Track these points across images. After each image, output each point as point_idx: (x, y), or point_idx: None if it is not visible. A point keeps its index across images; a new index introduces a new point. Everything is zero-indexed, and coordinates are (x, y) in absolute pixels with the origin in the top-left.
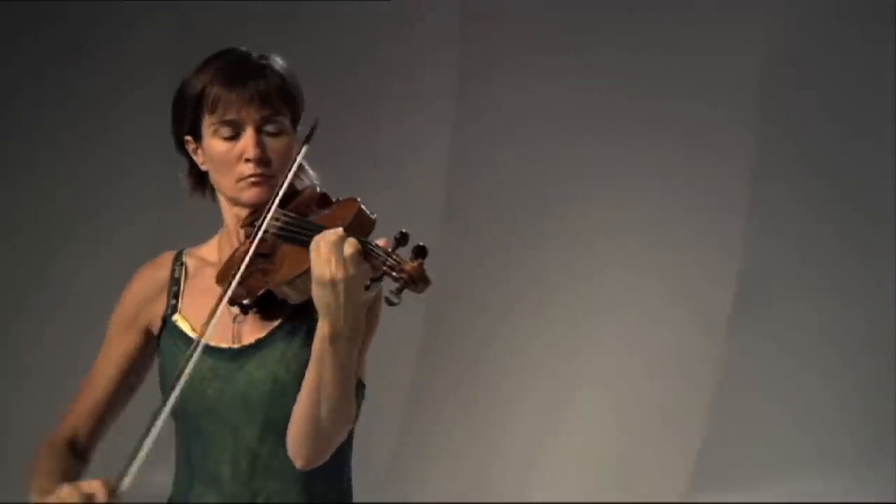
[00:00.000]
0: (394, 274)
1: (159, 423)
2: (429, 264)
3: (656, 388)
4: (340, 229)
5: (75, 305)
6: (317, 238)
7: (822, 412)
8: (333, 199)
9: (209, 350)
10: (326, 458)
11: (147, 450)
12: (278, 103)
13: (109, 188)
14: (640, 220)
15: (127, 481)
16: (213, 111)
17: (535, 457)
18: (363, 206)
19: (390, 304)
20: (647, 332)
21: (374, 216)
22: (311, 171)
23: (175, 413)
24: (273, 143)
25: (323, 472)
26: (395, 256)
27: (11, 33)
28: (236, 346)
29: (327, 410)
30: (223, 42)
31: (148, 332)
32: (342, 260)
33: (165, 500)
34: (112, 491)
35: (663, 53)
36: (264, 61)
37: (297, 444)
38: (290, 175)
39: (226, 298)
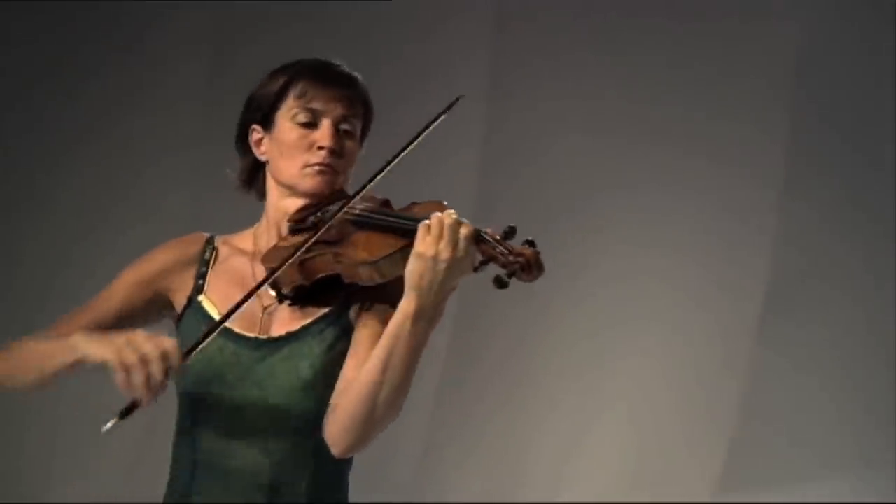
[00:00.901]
0: (510, 258)
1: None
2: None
3: (685, 390)
4: (452, 211)
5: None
6: (432, 217)
7: (850, 415)
8: (414, 203)
9: (234, 337)
10: (367, 445)
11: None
12: (358, 108)
13: (126, 188)
14: (671, 224)
15: (193, 354)
16: (299, 97)
17: (564, 457)
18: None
19: (501, 285)
20: (677, 336)
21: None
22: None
23: (187, 402)
24: (345, 142)
25: (332, 471)
26: (506, 244)
27: (37, 30)
28: (263, 336)
29: (388, 392)
30: (257, 42)
31: (160, 295)
32: (455, 240)
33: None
34: (184, 355)
35: (695, 59)
36: (353, 73)
37: (344, 427)
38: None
39: (273, 277)
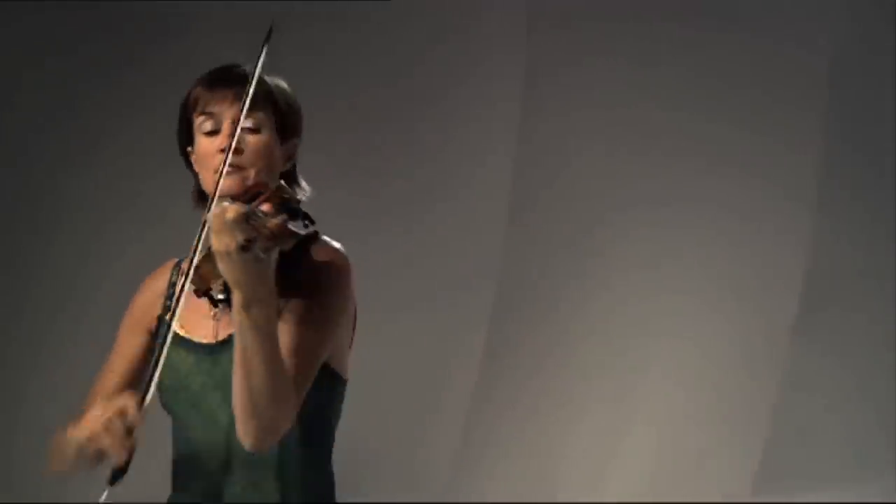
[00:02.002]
0: (261, 231)
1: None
2: (486, 261)
3: (721, 389)
4: (226, 202)
5: (98, 308)
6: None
7: (886, 415)
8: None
9: (192, 346)
10: (274, 439)
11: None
12: (257, 102)
13: (134, 195)
14: (706, 225)
15: (148, 398)
16: (196, 107)
17: (598, 458)
18: (285, 186)
19: (257, 259)
20: (712, 337)
21: (286, 196)
22: (304, 183)
23: (171, 415)
24: (250, 139)
25: (300, 464)
26: (273, 219)
27: (42, 33)
28: (214, 341)
29: (259, 383)
30: (281, 43)
31: (152, 334)
32: (229, 229)
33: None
34: (140, 403)
35: (732, 54)
36: (248, 69)
37: (240, 424)
38: (228, 156)
39: (185, 289)
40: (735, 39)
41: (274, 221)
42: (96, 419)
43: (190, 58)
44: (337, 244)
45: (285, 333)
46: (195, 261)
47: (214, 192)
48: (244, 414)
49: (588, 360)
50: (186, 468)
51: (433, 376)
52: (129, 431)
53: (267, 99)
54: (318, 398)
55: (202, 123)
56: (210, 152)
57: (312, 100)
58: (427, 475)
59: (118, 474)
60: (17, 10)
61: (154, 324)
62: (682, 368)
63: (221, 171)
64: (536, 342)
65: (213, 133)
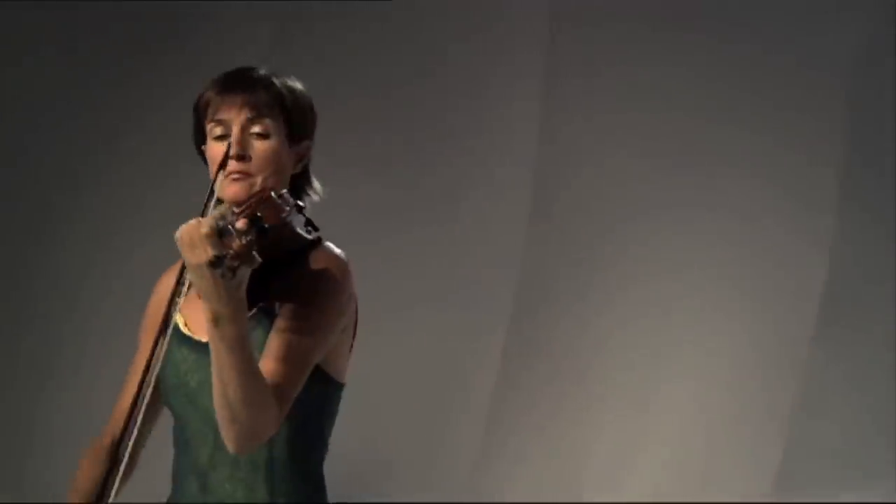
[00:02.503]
0: (228, 252)
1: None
2: (505, 262)
3: (742, 390)
4: (198, 217)
5: (108, 311)
6: (180, 228)
7: None
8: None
9: (192, 344)
10: (257, 443)
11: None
12: (266, 108)
13: (147, 193)
14: (729, 224)
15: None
16: (205, 113)
17: (621, 457)
18: (274, 197)
19: (224, 275)
20: (735, 335)
21: (280, 202)
22: (317, 185)
23: (172, 413)
24: (257, 144)
25: (287, 466)
26: (244, 238)
27: (89, 32)
28: None
29: (234, 393)
30: (319, 42)
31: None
32: (201, 243)
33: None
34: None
35: (754, 59)
36: (263, 74)
37: (223, 430)
38: (217, 179)
39: (184, 290)
40: (757, 44)
41: (238, 243)
42: None
43: (201, 58)
44: (338, 250)
45: (275, 340)
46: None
47: (207, 202)
48: (223, 420)
49: (608, 361)
50: (183, 465)
51: (453, 377)
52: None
53: (276, 104)
54: (309, 401)
55: (212, 128)
56: (219, 157)
57: (331, 99)
58: (447, 476)
59: None
60: (23, 8)
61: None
62: (703, 369)
63: (214, 179)
64: (556, 343)
65: (223, 138)
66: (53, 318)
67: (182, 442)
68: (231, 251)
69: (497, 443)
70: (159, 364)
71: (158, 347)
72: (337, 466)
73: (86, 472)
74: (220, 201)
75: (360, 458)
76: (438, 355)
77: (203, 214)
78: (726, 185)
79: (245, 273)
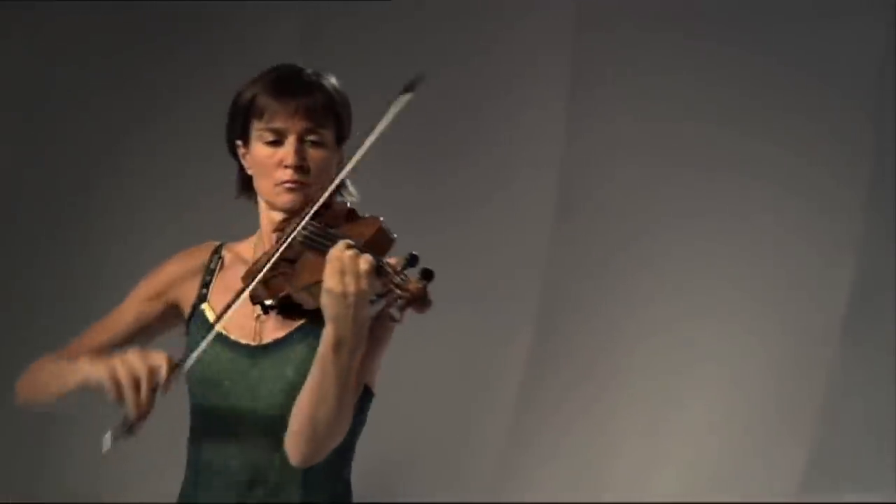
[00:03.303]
0: (398, 292)
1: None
2: (531, 263)
3: (769, 389)
4: (356, 247)
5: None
6: (333, 250)
7: None
8: (360, 216)
9: (230, 344)
10: (322, 458)
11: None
12: (322, 117)
13: (165, 187)
14: (756, 222)
15: (188, 364)
16: (260, 118)
17: (643, 458)
18: (384, 226)
19: (392, 320)
20: (760, 337)
21: (393, 237)
22: (352, 188)
23: (193, 409)
24: (313, 154)
25: (322, 471)
26: (403, 275)
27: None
28: (255, 343)
29: (325, 413)
30: (345, 41)
31: (171, 307)
32: (356, 275)
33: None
34: (173, 368)
35: (781, 65)
36: (314, 78)
37: (294, 441)
38: (331, 187)
39: (243, 295)
40: (783, 50)
41: (417, 286)
42: (121, 365)
43: (226, 56)
44: None
45: None
46: (260, 275)
47: (302, 217)
48: (301, 436)
49: (632, 362)
50: (205, 463)
51: (478, 378)
52: (154, 391)
53: (330, 112)
54: (354, 412)
55: (263, 133)
56: (271, 164)
57: (356, 99)
58: (472, 476)
59: (128, 431)
60: (48, 7)
61: (182, 303)
62: (727, 371)
63: (307, 213)
64: (581, 344)
65: (275, 143)
66: (68, 315)
67: (204, 438)
68: (407, 294)
69: (521, 444)
70: (196, 355)
71: (193, 339)
72: (363, 467)
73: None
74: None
75: (385, 458)
76: (463, 357)
77: (287, 238)
78: (751, 187)
79: (378, 310)
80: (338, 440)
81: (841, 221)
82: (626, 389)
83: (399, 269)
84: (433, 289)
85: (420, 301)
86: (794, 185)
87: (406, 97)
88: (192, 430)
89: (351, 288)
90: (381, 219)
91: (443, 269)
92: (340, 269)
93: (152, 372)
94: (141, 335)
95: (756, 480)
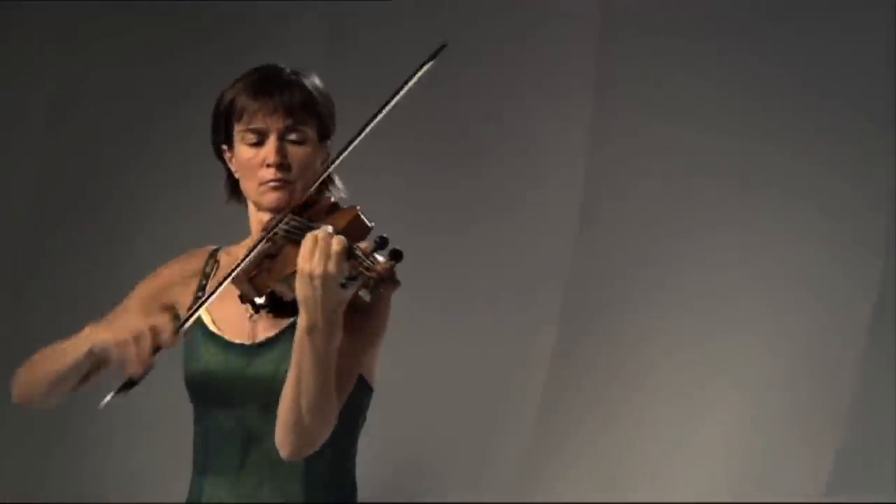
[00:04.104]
0: (367, 273)
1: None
2: (555, 263)
3: (795, 390)
4: (329, 227)
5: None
6: (308, 234)
7: None
8: (341, 207)
9: (225, 344)
10: (310, 451)
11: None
12: (301, 114)
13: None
14: (781, 227)
15: (187, 326)
16: (240, 119)
17: (668, 458)
18: (361, 214)
19: (363, 300)
20: (787, 336)
21: (370, 225)
22: (340, 185)
23: (194, 408)
24: (295, 151)
25: (327, 467)
26: (372, 257)
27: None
28: (249, 343)
29: (307, 402)
30: (370, 40)
31: (167, 310)
32: (326, 255)
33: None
34: (176, 332)
35: (808, 62)
36: (293, 76)
37: (281, 434)
38: (317, 182)
39: (224, 285)
40: (812, 59)
41: (384, 265)
42: (126, 325)
43: (250, 56)
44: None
45: None
46: (247, 268)
47: (282, 215)
48: (286, 427)
49: (658, 361)
50: (208, 464)
51: (502, 378)
52: (156, 350)
53: (310, 109)
54: (347, 407)
55: (245, 135)
56: (254, 164)
57: (382, 97)
58: (496, 476)
59: (129, 385)
60: (73, 8)
61: (178, 305)
62: (754, 370)
63: (289, 207)
64: (605, 344)
65: (257, 144)
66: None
67: (207, 439)
68: (374, 273)
69: (546, 443)
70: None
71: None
72: (387, 467)
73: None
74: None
75: (409, 459)
76: (487, 357)
77: (274, 228)
78: (778, 185)
79: (353, 291)
80: (325, 430)
81: (867, 224)
82: (650, 390)
83: (369, 251)
84: (459, 289)
85: (388, 281)
86: (820, 186)
87: (427, 66)
88: (195, 432)
89: (318, 269)
90: (359, 207)
91: (468, 269)
92: (311, 249)
93: (155, 331)
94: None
95: (782, 481)
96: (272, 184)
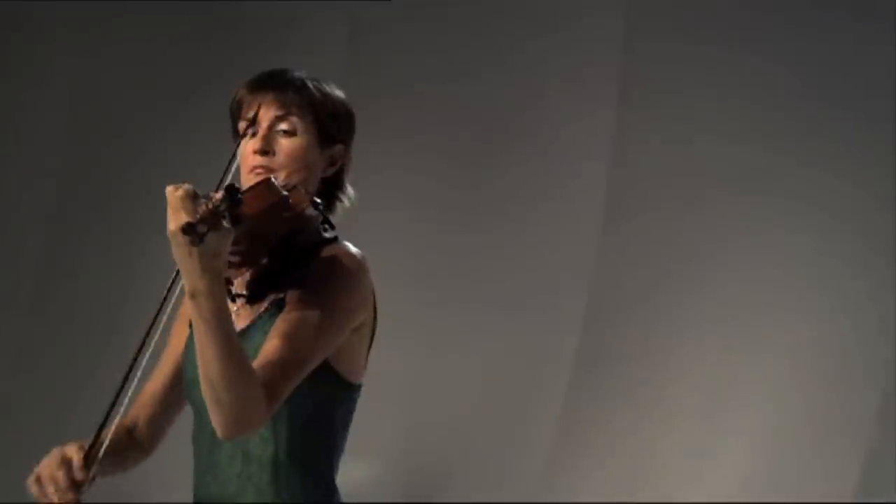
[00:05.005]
0: (216, 207)
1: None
2: (579, 264)
3: (823, 392)
4: (187, 186)
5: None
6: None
7: None
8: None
9: None
10: (247, 429)
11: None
12: (294, 107)
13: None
14: (809, 226)
15: (101, 453)
16: (239, 112)
17: (693, 458)
18: (271, 181)
19: (192, 243)
20: (812, 337)
21: (282, 193)
22: (350, 191)
23: (190, 405)
24: (283, 142)
25: (296, 466)
26: (217, 200)
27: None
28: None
29: (214, 372)
30: (394, 41)
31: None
32: (177, 208)
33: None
34: (86, 458)
35: (834, 74)
36: (295, 74)
37: (210, 414)
38: (231, 166)
39: (176, 282)
40: (840, 72)
41: (203, 206)
42: (37, 474)
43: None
44: (354, 249)
45: (274, 334)
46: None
47: (220, 182)
48: (208, 402)
49: (683, 361)
50: (201, 463)
51: (527, 378)
52: (73, 484)
53: (305, 104)
54: (314, 400)
55: (244, 127)
56: (248, 153)
57: (407, 99)
58: (521, 476)
59: None
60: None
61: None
62: (780, 371)
63: (228, 169)
64: (630, 344)
65: (255, 136)
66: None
67: (199, 439)
68: (218, 201)
69: (571, 443)
70: (149, 351)
71: (148, 338)
72: (412, 467)
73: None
74: None
75: (434, 458)
76: (511, 357)
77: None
78: (804, 188)
79: (217, 243)
80: (252, 405)
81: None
82: (676, 390)
83: (214, 195)
84: (484, 290)
85: (231, 201)
86: (848, 183)
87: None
88: (193, 428)
89: (172, 225)
90: (272, 177)
91: (492, 271)
92: (171, 206)
93: (66, 466)
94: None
95: (812, 484)
96: (256, 170)
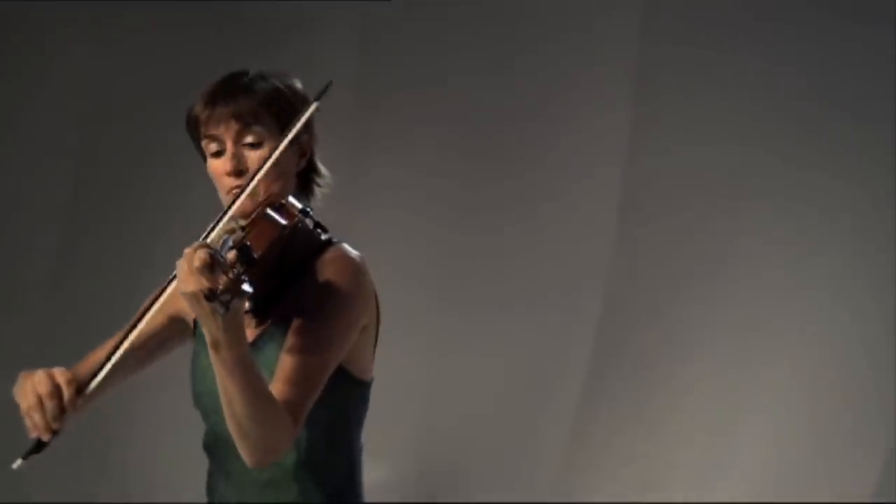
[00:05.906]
0: (221, 290)
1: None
2: (594, 264)
3: (842, 391)
4: (198, 243)
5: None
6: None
7: None
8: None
9: None
10: (275, 456)
11: (110, 364)
12: (254, 117)
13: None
14: (826, 228)
15: (92, 386)
16: (198, 131)
17: (709, 458)
18: (270, 212)
19: (216, 312)
20: (832, 336)
21: (283, 223)
22: (325, 173)
23: (199, 413)
24: (252, 155)
25: (316, 465)
26: (231, 272)
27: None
28: None
29: (240, 412)
30: (407, 41)
31: (175, 319)
32: (194, 272)
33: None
34: (78, 390)
35: (853, 80)
36: (246, 81)
37: (238, 446)
38: (252, 182)
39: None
40: (858, 78)
41: (226, 278)
42: (29, 386)
43: (292, 56)
44: (352, 252)
45: (285, 359)
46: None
47: (217, 221)
48: (235, 436)
49: (700, 360)
50: (215, 468)
51: (542, 378)
52: (61, 413)
53: (262, 110)
54: (333, 403)
55: (207, 145)
56: (220, 173)
57: (421, 98)
58: (536, 476)
59: (36, 450)
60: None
61: (186, 318)
62: (800, 370)
63: (231, 205)
64: (646, 344)
65: (219, 154)
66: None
67: (212, 446)
68: (221, 285)
69: (586, 444)
70: (105, 370)
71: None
72: (426, 467)
73: None
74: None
75: (448, 459)
76: (527, 357)
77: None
78: (821, 188)
79: (239, 304)
80: (280, 435)
81: None
82: (691, 389)
83: (233, 261)
84: (498, 290)
85: (248, 263)
86: (863, 181)
87: (314, 105)
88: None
89: (192, 287)
90: (268, 210)
91: (507, 270)
92: (182, 268)
93: (52, 395)
94: (157, 349)
95: (831, 483)
96: (234, 191)
